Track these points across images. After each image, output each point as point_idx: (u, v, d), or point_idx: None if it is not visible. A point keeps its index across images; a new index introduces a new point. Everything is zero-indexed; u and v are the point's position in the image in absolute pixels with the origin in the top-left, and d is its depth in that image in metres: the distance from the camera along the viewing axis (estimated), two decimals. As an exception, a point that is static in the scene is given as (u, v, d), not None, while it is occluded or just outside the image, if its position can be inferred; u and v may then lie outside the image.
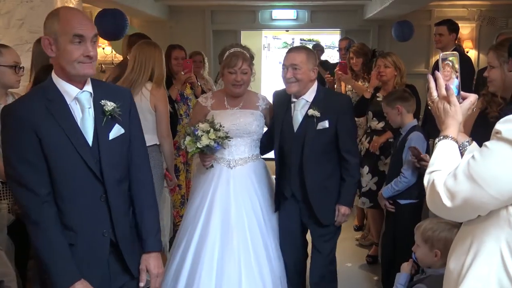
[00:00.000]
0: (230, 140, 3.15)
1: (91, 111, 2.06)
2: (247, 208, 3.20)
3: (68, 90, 2.02)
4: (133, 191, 2.21)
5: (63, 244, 1.99)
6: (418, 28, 8.42)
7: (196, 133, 3.05)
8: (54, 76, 2.04)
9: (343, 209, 3.19)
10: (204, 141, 3.03)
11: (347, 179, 3.18)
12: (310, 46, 9.89)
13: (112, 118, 2.09)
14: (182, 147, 3.13)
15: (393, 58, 4.37)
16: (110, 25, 5.92)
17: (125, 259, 2.14)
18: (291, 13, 10.09)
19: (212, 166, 3.24)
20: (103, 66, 9.16)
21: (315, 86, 3.17)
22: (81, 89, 2.04)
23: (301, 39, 14.86)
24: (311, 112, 3.09)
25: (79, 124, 2.03)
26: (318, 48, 8.53)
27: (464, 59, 5.41)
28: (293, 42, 15.74)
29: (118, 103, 2.10)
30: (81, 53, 1.97)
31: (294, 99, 3.17)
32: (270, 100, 3.46)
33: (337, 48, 7.25)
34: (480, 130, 1.76)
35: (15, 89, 3.14)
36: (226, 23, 9.93)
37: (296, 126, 3.16)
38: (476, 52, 9.10)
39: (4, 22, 5.31)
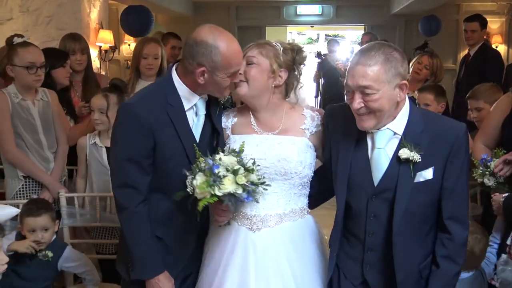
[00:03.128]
0: (266, 189, 1.95)
1: (203, 115, 2.10)
2: None
3: (190, 97, 2.05)
4: None
5: (153, 237, 2.05)
6: (446, 23, 8.28)
7: (216, 171, 1.85)
8: (178, 81, 2.05)
9: None
10: (227, 186, 1.85)
11: (443, 264, 1.92)
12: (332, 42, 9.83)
13: (224, 109, 2.21)
14: (188, 189, 1.90)
15: (437, 64, 4.23)
16: (135, 22, 5.98)
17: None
18: (316, 9, 10.04)
19: (228, 223, 2.08)
20: (129, 62, 9.25)
21: (406, 106, 1.92)
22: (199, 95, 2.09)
23: (326, 35, 14.76)
24: (405, 153, 1.85)
25: (192, 129, 2.08)
26: (331, 45, 8.53)
27: (493, 54, 5.32)
28: (318, 38, 15.67)
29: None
30: (233, 80, 2.04)
31: (373, 129, 1.93)
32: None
33: (359, 43, 7.20)
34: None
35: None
36: (250, 19, 9.91)
37: (378, 175, 1.93)
38: (506, 47, 8.90)
39: (32, 19, 5.41)
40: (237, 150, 1.95)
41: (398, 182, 1.89)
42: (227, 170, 1.86)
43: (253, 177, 1.89)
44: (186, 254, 2.16)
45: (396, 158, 1.89)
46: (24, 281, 2.55)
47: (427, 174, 1.88)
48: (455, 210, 1.92)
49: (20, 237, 2.60)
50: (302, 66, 2.19)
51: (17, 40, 3.08)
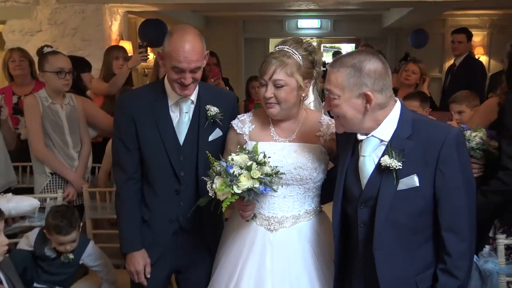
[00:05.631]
0: (281, 178, 1.90)
1: (188, 115, 2.12)
2: None
3: (172, 95, 2.11)
4: None
5: (136, 217, 2.14)
6: (433, 36, 8.30)
7: (231, 171, 1.82)
8: (166, 79, 2.12)
9: None
10: (244, 182, 1.81)
11: (442, 278, 1.68)
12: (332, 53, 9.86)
13: (214, 122, 2.13)
14: (210, 193, 1.87)
15: (423, 67, 4.32)
16: (152, 33, 5.99)
17: (196, 244, 2.19)
18: (315, 22, 10.07)
19: (255, 216, 2.03)
20: (146, 70, 9.26)
21: (394, 113, 1.73)
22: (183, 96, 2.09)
23: (323, 46, 14.75)
24: (386, 161, 1.67)
25: (174, 124, 2.12)
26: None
27: (477, 64, 5.30)
28: (316, 49, 15.66)
29: (221, 108, 2.12)
30: (178, 77, 2.00)
31: (361, 136, 1.76)
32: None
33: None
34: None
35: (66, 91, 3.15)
36: (256, 31, 9.94)
37: (363, 181, 1.76)
38: (487, 58, 8.87)
39: (59, 31, 5.45)
40: (246, 149, 1.90)
41: (380, 189, 1.69)
42: (241, 168, 1.82)
43: (267, 169, 1.83)
44: (164, 239, 2.17)
45: (379, 165, 1.70)
46: (48, 275, 2.55)
47: (411, 181, 1.66)
48: (450, 221, 1.66)
49: (43, 235, 2.52)
50: (321, 65, 2.07)
51: (46, 49, 3.14)
